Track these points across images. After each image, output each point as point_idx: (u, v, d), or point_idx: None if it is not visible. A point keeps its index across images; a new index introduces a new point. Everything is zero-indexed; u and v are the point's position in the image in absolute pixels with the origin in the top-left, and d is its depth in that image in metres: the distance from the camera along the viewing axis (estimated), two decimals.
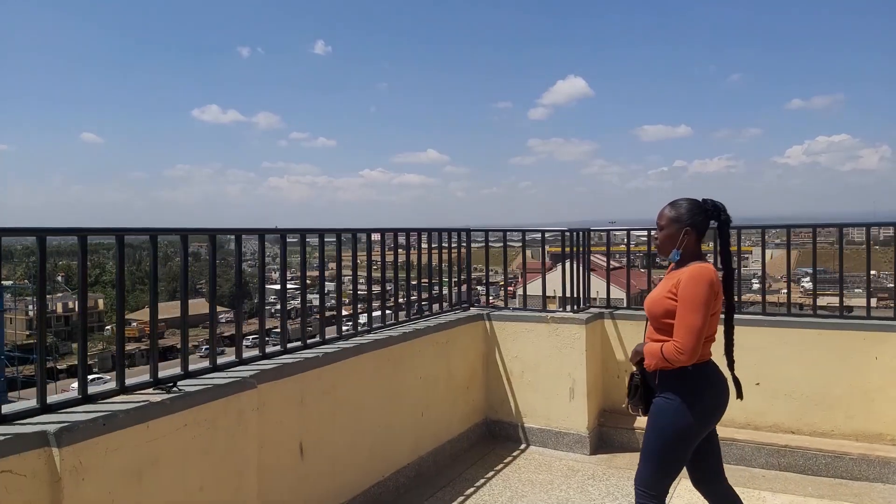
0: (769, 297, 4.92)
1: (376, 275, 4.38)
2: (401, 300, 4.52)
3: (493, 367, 5.07)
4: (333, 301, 4.06)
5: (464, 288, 5.34)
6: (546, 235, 5.25)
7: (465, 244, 5.21)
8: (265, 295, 3.41)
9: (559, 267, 5.09)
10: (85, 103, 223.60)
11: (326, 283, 4.44)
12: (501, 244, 5.52)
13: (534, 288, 5.77)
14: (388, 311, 4.36)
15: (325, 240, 3.99)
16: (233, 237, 3.19)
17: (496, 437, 5.03)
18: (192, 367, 2.92)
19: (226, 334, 10.02)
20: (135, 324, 43.29)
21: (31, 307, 39.52)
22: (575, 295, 5.01)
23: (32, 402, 2.40)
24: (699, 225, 2.67)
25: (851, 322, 4.44)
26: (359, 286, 5.40)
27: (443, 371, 4.60)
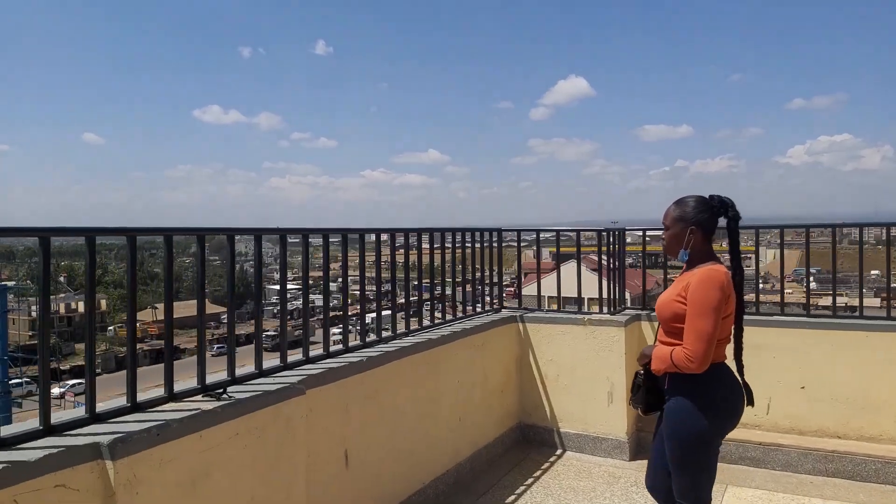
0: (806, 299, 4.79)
1: (401, 275, 4.25)
2: (436, 302, 4.41)
3: (527, 369, 4.94)
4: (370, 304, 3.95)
5: (495, 289, 5.21)
6: (579, 236, 5.12)
7: (496, 244, 5.09)
8: (309, 296, 3.28)
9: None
10: (86, 103, 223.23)
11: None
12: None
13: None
14: (425, 313, 4.24)
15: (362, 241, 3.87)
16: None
17: (530, 442, 4.91)
18: (238, 371, 2.80)
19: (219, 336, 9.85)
20: (138, 325, 43.14)
21: (33, 308, 39.41)
22: (611, 296, 4.89)
23: (81, 412, 2.27)
24: (705, 223, 2.56)
25: None
26: (386, 288, 5.27)
27: (479, 375, 4.48)
